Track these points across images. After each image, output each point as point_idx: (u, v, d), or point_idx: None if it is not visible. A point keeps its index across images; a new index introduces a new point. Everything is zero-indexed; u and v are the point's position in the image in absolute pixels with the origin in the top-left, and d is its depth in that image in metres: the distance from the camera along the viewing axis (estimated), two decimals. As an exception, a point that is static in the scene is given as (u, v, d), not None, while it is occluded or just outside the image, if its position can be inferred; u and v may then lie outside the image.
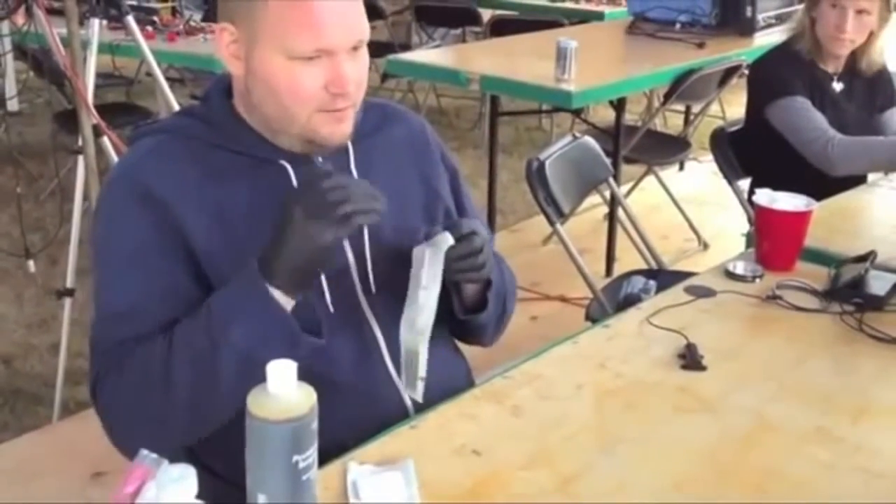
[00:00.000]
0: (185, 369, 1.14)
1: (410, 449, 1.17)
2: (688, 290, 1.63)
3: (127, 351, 1.18)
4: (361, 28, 1.22)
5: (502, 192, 4.22)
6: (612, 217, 3.67)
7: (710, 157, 3.00)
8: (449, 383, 1.34)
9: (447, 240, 1.24)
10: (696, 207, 4.20)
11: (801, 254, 1.72)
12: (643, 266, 2.87)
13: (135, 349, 1.18)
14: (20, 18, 2.62)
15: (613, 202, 3.57)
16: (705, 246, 3.97)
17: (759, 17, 4.02)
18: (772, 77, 2.63)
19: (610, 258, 3.66)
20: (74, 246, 2.63)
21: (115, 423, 1.19)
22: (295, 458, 0.93)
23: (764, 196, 1.71)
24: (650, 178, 4.18)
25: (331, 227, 1.11)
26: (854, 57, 2.65)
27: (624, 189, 3.70)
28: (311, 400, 0.94)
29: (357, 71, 1.23)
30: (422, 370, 1.25)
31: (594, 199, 3.55)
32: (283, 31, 1.18)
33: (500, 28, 4.95)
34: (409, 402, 1.31)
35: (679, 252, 3.83)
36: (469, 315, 1.38)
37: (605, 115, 5.08)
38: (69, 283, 2.66)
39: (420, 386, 1.26)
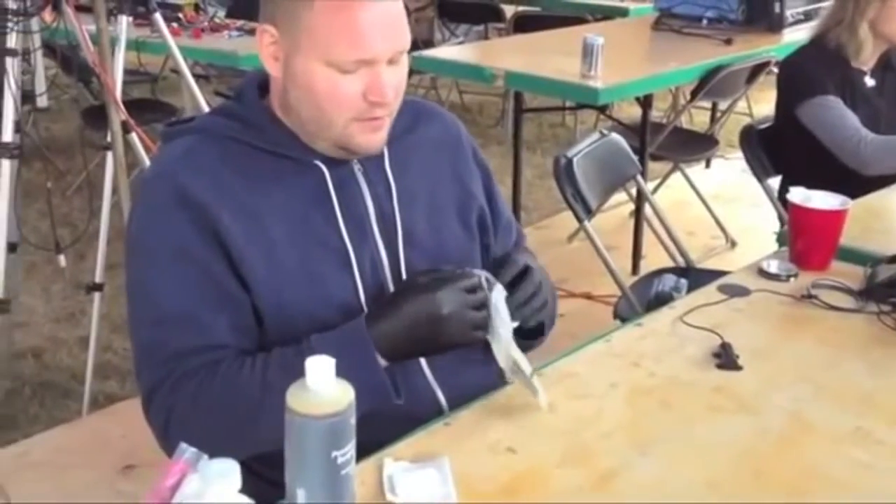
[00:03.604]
0: (277, 408, 1.07)
1: (445, 446, 1.16)
2: (721, 288, 1.62)
3: (195, 363, 1.18)
4: (404, 39, 1.22)
5: (527, 189, 4.22)
6: (638, 214, 3.65)
7: (736, 153, 2.99)
8: (482, 381, 1.33)
9: (500, 291, 1.23)
10: (723, 204, 4.17)
11: (836, 253, 1.70)
12: (669, 263, 2.85)
13: (210, 365, 1.18)
14: (49, 15, 2.64)
15: (640, 199, 3.55)
16: (732, 243, 3.94)
17: (788, 13, 3.98)
18: (803, 75, 2.60)
19: (636, 255, 3.65)
20: (103, 241, 2.65)
21: (178, 433, 1.14)
22: (333, 453, 0.93)
23: (799, 194, 1.69)
24: (675, 175, 4.15)
25: (466, 339, 1.20)
26: (888, 52, 2.62)
27: (650, 186, 3.68)
28: (349, 396, 0.94)
29: (396, 79, 1.22)
30: (527, 368, 1.24)
31: (619, 196, 3.53)
32: (326, 40, 1.18)
33: (523, 24, 4.93)
34: (443, 401, 1.30)
35: (706, 249, 3.80)
36: (526, 340, 1.38)
37: (630, 112, 5.06)
38: (98, 278, 2.68)
39: (535, 381, 1.24)
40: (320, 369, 0.93)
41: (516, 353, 1.23)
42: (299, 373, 1.13)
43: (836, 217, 1.68)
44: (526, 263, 1.30)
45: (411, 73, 4.81)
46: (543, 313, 1.30)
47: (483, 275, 1.23)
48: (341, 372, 0.98)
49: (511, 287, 1.26)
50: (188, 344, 1.19)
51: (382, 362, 1.19)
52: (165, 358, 1.20)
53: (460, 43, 5.62)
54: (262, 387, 1.17)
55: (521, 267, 1.29)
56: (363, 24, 1.17)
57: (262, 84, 1.31)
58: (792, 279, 1.65)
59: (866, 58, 2.60)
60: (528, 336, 1.35)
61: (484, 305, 1.20)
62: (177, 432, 1.18)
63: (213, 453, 0.91)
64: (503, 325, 1.22)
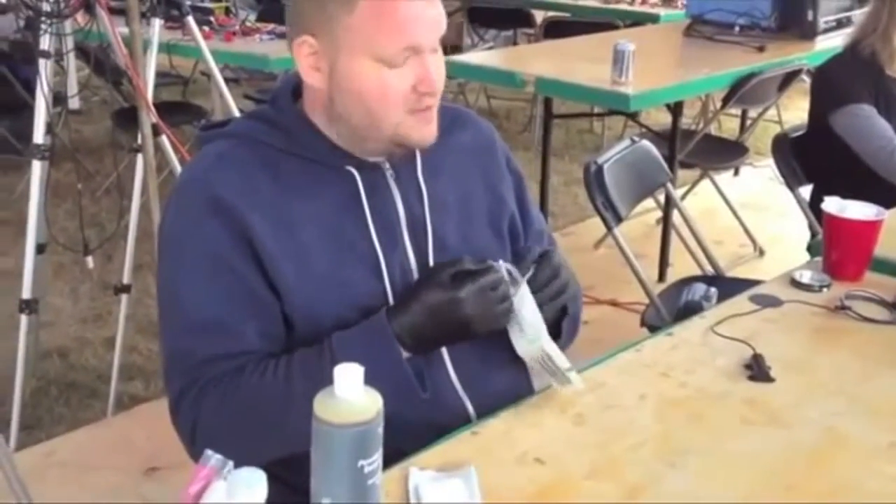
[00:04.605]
0: (301, 410, 1.06)
1: (472, 455, 1.15)
2: (753, 298, 1.59)
3: (222, 369, 1.19)
4: (443, 21, 1.23)
5: (553, 195, 4.20)
6: (666, 221, 3.63)
7: (765, 161, 2.96)
8: (510, 390, 1.32)
9: (525, 284, 1.23)
10: (752, 213, 4.13)
11: (871, 264, 1.67)
12: (696, 271, 2.82)
13: (236, 371, 1.19)
14: (82, 17, 2.66)
15: (668, 206, 3.52)
16: (761, 252, 3.91)
17: (821, 20, 3.93)
18: (837, 83, 2.57)
19: (664, 263, 3.62)
20: (131, 243, 2.66)
21: (205, 440, 1.17)
22: (360, 462, 0.92)
23: (833, 204, 1.66)
24: (703, 183, 4.12)
25: (494, 321, 1.20)
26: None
27: (678, 193, 3.65)
28: (377, 404, 0.93)
29: (440, 66, 1.24)
30: (562, 362, 1.24)
31: (646, 203, 3.50)
32: (372, 36, 1.18)
33: (553, 30, 4.92)
34: (471, 409, 1.29)
35: (734, 258, 3.77)
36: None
37: (658, 119, 5.03)
38: (126, 280, 2.69)
39: (574, 376, 1.24)
40: (348, 377, 0.92)
41: (549, 346, 1.23)
42: (321, 373, 1.13)
43: (872, 227, 1.65)
44: (543, 249, 1.30)
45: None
46: (564, 297, 1.30)
47: (506, 267, 1.23)
48: (364, 367, 0.97)
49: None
50: (216, 351, 1.19)
51: (406, 355, 1.18)
52: (193, 365, 1.20)
53: (490, 48, 5.61)
54: (285, 390, 1.17)
55: (536, 255, 1.28)
56: (407, 13, 1.18)
57: (296, 88, 1.31)
58: (825, 290, 1.62)
59: None
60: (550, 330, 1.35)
61: (507, 297, 1.21)
62: (204, 439, 1.18)
63: (239, 458, 0.90)
64: (530, 318, 1.21)
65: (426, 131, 1.25)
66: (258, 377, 1.18)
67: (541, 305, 1.25)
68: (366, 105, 1.21)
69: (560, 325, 1.36)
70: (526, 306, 1.23)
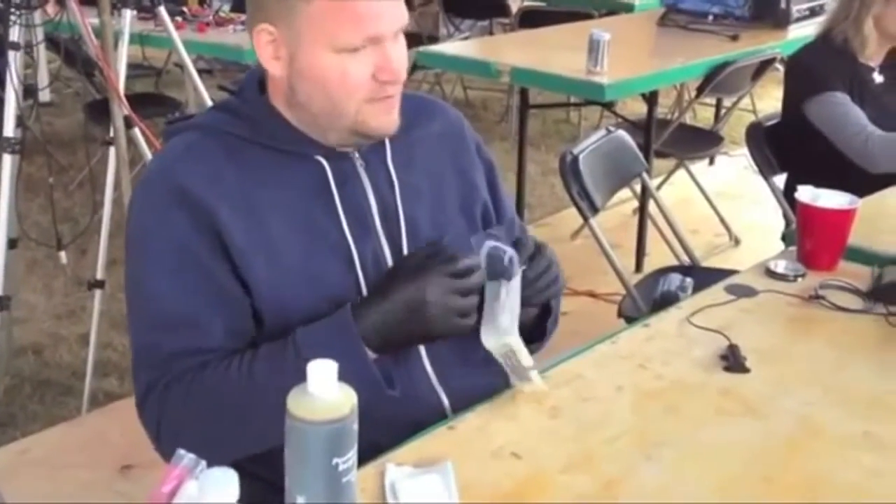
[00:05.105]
0: (266, 404, 1.10)
1: (448, 450, 1.14)
2: (728, 289, 1.60)
3: (187, 365, 1.18)
4: (403, 11, 1.22)
5: (530, 186, 4.19)
6: (643, 212, 3.63)
7: (740, 150, 2.97)
8: (486, 384, 1.31)
9: (519, 276, 1.21)
10: (727, 202, 4.15)
11: (844, 253, 1.68)
12: (672, 261, 2.83)
13: (200, 366, 1.18)
14: (52, 8, 2.62)
15: (645, 196, 3.53)
16: (736, 241, 3.92)
17: (794, 8, 3.95)
18: (810, 72, 2.58)
19: (640, 253, 3.63)
20: (105, 237, 2.63)
21: (170, 435, 1.18)
22: (335, 460, 0.91)
23: (807, 193, 1.67)
24: (679, 172, 4.13)
25: (449, 327, 1.17)
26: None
27: (653, 183, 3.66)
28: (351, 400, 0.92)
29: (401, 54, 1.22)
30: (527, 361, 1.22)
31: (622, 193, 3.51)
32: (331, 26, 1.17)
33: (529, 19, 4.90)
34: (446, 403, 1.28)
35: (709, 247, 3.78)
36: (528, 345, 1.37)
37: (634, 108, 5.04)
38: (99, 275, 2.66)
39: (535, 375, 1.23)
40: (322, 374, 0.91)
41: (516, 343, 1.21)
42: (284, 368, 1.14)
43: (845, 216, 1.65)
44: (538, 242, 1.28)
45: (415, 67, 4.76)
46: (554, 290, 1.29)
47: (509, 256, 1.20)
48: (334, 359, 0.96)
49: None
50: (182, 347, 1.18)
51: (372, 355, 1.17)
52: (159, 360, 1.19)
53: (465, 38, 5.59)
54: (247, 384, 1.16)
55: (532, 247, 1.26)
56: (368, 4, 1.17)
57: (263, 79, 1.29)
58: (799, 279, 1.63)
59: (871, 53, 2.57)
60: (533, 327, 1.35)
61: (472, 291, 1.18)
62: (168, 434, 1.18)
63: (204, 454, 0.89)
64: (509, 310, 1.20)
65: (386, 120, 1.23)
66: (221, 372, 1.17)
67: (530, 297, 1.24)
68: (326, 93, 1.20)
69: (545, 326, 1.37)
70: (511, 298, 1.20)
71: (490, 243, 1.21)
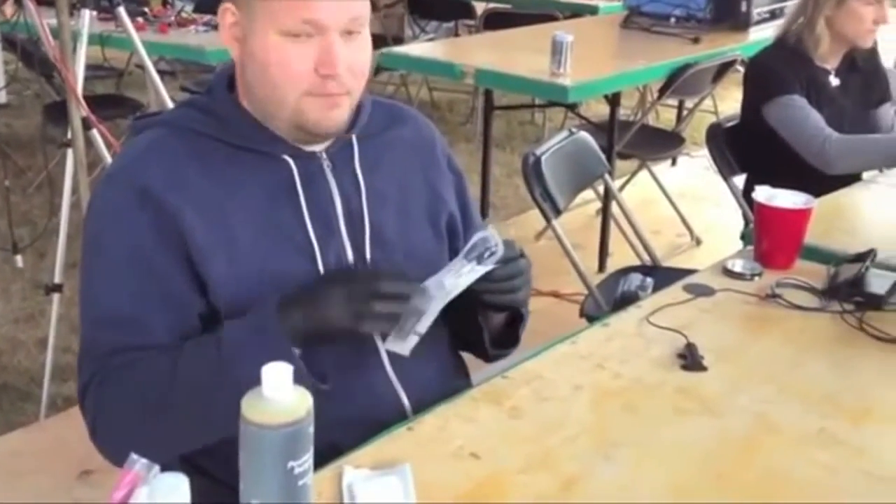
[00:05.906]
0: (186, 398, 1.13)
1: (407, 452, 1.14)
2: (686, 288, 1.61)
3: (124, 360, 1.17)
4: (352, 7, 1.20)
5: (494, 187, 4.20)
6: (605, 212, 3.65)
7: (702, 151, 3.00)
8: (446, 383, 1.31)
9: (475, 270, 1.21)
10: (689, 202, 4.19)
11: (801, 251, 1.70)
12: (636, 262, 2.85)
13: (134, 361, 1.17)
14: (9, 8, 2.58)
15: (608, 197, 3.55)
16: (698, 241, 3.96)
17: (754, 11, 4.00)
18: (769, 75, 2.61)
19: (603, 254, 3.65)
20: (63, 240, 2.60)
21: (103, 430, 1.18)
22: (290, 464, 0.90)
23: (763, 193, 1.69)
24: (641, 173, 4.16)
25: (353, 319, 1.14)
26: (852, 52, 2.64)
27: (616, 184, 3.68)
28: (306, 403, 0.92)
29: (352, 56, 1.20)
30: (421, 327, 1.20)
31: (586, 194, 3.53)
32: (276, 6, 1.16)
33: (494, 21, 4.92)
34: (406, 404, 1.28)
35: (671, 247, 3.82)
36: (498, 350, 1.38)
37: (598, 110, 5.07)
38: (57, 279, 2.63)
39: (413, 340, 1.20)
40: (276, 376, 0.90)
41: (434, 308, 1.19)
42: (205, 360, 1.13)
43: (801, 216, 1.68)
44: (523, 253, 1.28)
45: (381, 69, 4.75)
46: (516, 296, 1.27)
47: (492, 249, 1.21)
48: (253, 357, 0.95)
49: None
50: (123, 343, 1.18)
51: (297, 351, 1.14)
52: (99, 356, 1.19)
53: (430, 40, 5.59)
54: (169, 379, 1.15)
55: (516, 253, 1.25)
56: None
57: (232, 78, 1.29)
58: (756, 278, 1.65)
59: (825, 55, 2.61)
60: (505, 335, 1.36)
61: (376, 296, 1.14)
62: (103, 428, 1.18)
63: (138, 449, 0.89)
64: (450, 277, 1.19)
65: (325, 116, 1.21)
66: (150, 367, 1.16)
67: (493, 293, 1.24)
68: (268, 77, 1.19)
69: (518, 333, 1.39)
70: (466, 276, 1.19)
71: (488, 232, 1.23)
